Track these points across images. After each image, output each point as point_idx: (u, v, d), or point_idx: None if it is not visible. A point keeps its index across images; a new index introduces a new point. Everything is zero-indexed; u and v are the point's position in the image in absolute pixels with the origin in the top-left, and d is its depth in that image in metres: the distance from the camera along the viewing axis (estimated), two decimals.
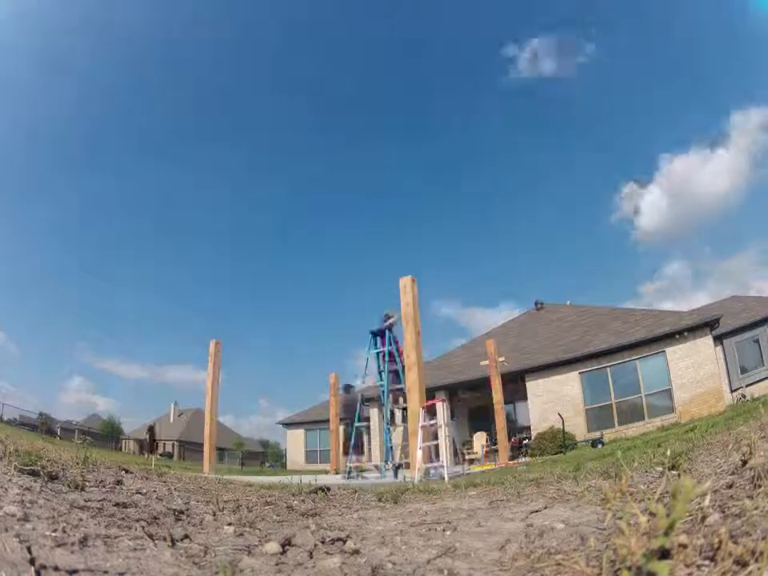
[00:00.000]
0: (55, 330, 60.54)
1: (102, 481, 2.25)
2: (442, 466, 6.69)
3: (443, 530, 1.64)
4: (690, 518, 1.06)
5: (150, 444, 24.06)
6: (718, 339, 16.60)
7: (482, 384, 15.59)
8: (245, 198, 54.84)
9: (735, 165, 46.31)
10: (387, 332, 8.73)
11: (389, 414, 9.00)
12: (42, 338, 60.21)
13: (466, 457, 16.24)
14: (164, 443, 43.11)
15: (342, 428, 11.67)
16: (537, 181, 51.29)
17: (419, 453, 6.86)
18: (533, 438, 15.34)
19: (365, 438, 22.50)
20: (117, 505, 1.70)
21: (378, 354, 9.01)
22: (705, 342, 13.80)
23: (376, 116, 51.29)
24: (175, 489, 2.58)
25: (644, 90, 46.29)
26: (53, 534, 1.11)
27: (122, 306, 61.08)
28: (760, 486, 1.23)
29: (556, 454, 12.30)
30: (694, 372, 13.58)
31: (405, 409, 8.15)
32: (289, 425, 28.17)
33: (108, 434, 37.55)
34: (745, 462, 1.50)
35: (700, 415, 11.63)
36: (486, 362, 13.87)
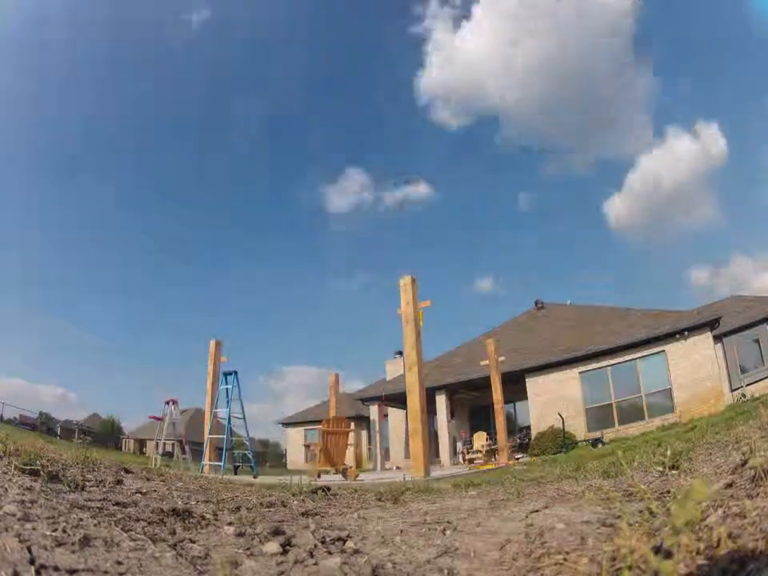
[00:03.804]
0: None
1: (102, 480, 2.25)
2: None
3: (443, 530, 1.64)
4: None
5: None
6: (718, 339, 16.60)
7: (482, 384, 15.60)
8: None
9: None
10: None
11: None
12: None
13: (467, 456, 16.26)
14: (164, 443, 43.09)
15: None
16: None
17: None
18: (533, 437, 15.34)
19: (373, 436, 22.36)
20: (117, 504, 1.70)
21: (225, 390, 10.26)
22: (705, 342, 13.80)
23: None
24: (175, 489, 2.58)
25: None
26: (53, 534, 1.11)
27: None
28: (760, 486, 1.23)
29: (556, 453, 12.30)
30: (694, 372, 13.58)
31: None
32: (288, 424, 28.21)
33: (108, 434, 37.55)
34: (745, 462, 1.50)
35: (700, 415, 11.63)
36: (486, 362, 13.88)
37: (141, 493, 2.15)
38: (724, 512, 1.09)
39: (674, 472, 1.99)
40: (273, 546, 1.30)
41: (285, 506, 2.34)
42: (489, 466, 10.46)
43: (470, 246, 54.34)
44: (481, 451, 15.46)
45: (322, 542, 1.41)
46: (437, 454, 16.73)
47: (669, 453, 2.22)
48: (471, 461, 15.05)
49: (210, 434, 10.76)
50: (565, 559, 1.05)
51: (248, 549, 1.30)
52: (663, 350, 14.21)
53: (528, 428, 16.39)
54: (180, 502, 2.03)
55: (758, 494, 1.17)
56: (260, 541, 1.40)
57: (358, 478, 6.90)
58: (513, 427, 17.34)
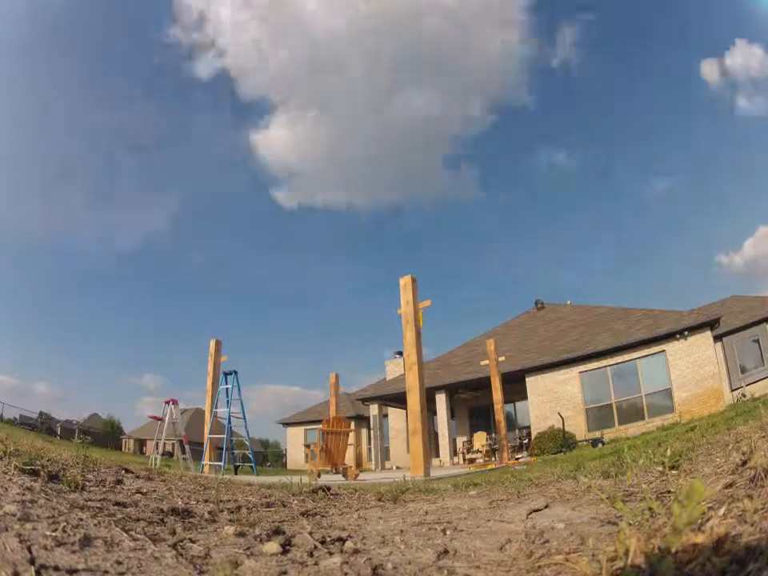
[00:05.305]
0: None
1: (102, 480, 2.25)
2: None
3: (443, 530, 1.64)
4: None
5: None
6: (718, 338, 16.61)
7: (482, 384, 15.61)
8: None
9: None
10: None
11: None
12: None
13: (467, 456, 16.28)
14: (164, 443, 43.05)
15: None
16: None
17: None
18: (533, 437, 15.35)
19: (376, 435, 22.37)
20: (117, 504, 1.70)
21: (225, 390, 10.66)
22: (705, 342, 13.80)
23: None
24: (175, 489, 2.58)
25: None
26: (53, 534, 1.11)
27: None
28: (760, 486, 1.23)
29: (556, 453, 12.31)
30: (694, 372, 13.58)
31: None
32: (288, 424, 28.20)
33: (108, 434, 37.55)
34: (745, 462, 1.50)
35: (700, 415, 11.63)
36: (486, 362, 13.89)
37: (141, 493, 2.15)
38: (724, 512, 1.09)
39: (673, 472, 1.99)
40: (273, 546, 1.30)
41: (285, 506, 2.34)
42: (489, 466, 10.46)
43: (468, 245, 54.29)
44: (481, 451, 15.48)
45: (322, 542, 1.41)
46: (437, 454, 16.74)
47: (669, 453, 2.21)
48: (471, 461, 15.07)
49: (210, 434, 10.77)
50: (565, 559, 1.05)
51: (248, 549, 1.30)
52: (663, 350, 14.21)
53: (528, 428, 16.40)
54: (180, 502, 2.03)
55: (758, 494, 1.17)
56: (260, 541, 1.40)
57: (358, 478, 6.91)
58: (513, 427, 17.35)
